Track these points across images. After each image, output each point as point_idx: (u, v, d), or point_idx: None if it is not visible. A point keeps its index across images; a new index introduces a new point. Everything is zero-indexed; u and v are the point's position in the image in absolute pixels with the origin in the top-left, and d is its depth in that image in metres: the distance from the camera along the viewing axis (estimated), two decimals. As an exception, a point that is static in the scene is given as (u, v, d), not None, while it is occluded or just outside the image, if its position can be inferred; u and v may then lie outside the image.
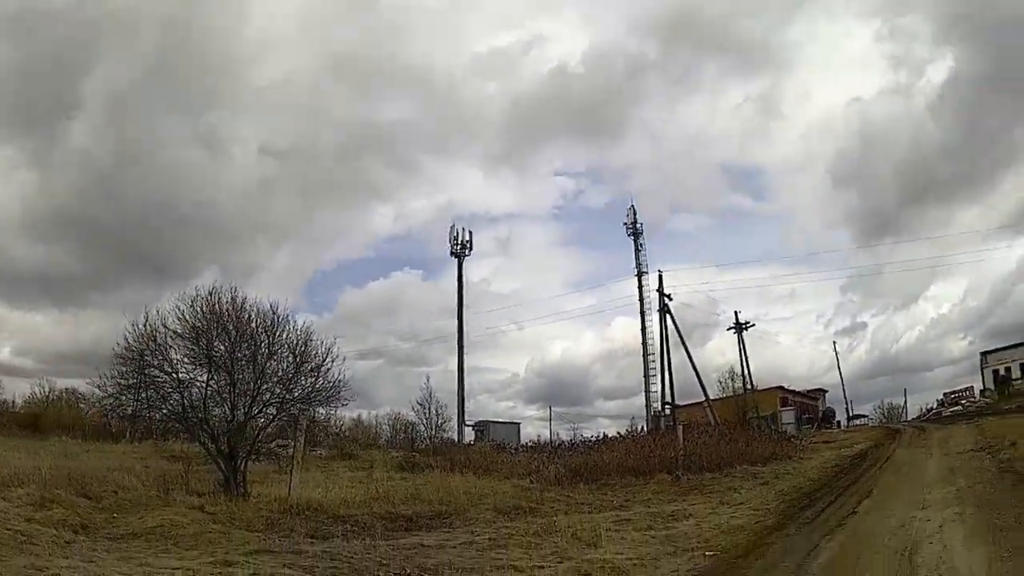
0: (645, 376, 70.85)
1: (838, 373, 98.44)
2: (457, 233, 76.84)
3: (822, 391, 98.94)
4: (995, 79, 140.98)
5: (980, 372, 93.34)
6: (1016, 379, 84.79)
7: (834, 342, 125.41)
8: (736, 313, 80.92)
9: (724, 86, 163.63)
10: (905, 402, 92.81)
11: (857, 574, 10.65)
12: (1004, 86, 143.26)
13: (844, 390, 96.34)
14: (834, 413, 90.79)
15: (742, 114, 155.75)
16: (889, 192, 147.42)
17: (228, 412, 20.56)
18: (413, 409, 62.72)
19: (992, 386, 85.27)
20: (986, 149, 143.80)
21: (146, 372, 20.47)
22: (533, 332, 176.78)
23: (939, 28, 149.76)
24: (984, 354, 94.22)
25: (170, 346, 20.45)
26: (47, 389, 60.99)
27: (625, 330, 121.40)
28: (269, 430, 21.85)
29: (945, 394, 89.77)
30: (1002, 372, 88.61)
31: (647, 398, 70.62)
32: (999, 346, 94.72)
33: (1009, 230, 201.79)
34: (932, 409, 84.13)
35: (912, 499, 16.98)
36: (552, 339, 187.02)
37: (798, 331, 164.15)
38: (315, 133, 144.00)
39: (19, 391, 75.72)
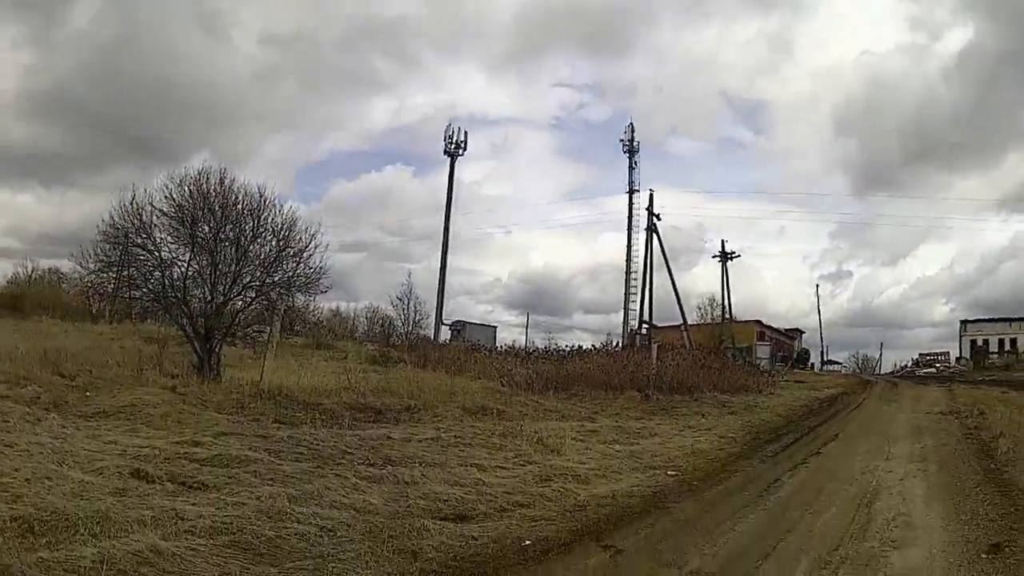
0: (626, 293, 71.34)
1: (817, 316, 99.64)
2: (452, 132, 76.69)
3: (799, 331, 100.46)
4: (1013, 55, 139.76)
5: (958, 339, 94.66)
6: (993, 352, 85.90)
7: (817, 285, 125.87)
8: (723, 242, 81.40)
9: (738, 18, 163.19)
10: (880, 356, 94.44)
11: (814, 513, 10.84)
12: (1021, 63, 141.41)
13: (821, 334, 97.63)
14: (809, 354, 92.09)
15: (753, 49, 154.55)
16: (891, 147, 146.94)
17: (208, 293, 20.64)
18: (392, 304, 62.86)
19: (969, 355, 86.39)
20: (995, 122, 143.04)
21: (129, 250, 20.53)
22: (520, 239, 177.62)
23: None
24: (964, 323, 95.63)
25: (155, 225, 20.34)
26: (30, 269, 61.34)
27: (611, 246, 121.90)
28: (247, 314, 21.85)
29: (921, 355, 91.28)
30: (980, 343, 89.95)
31: (626, 315, 71.22)
32: (980, 317, 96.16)
33: (1007, 206, 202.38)
34: (906, 367, 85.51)
35: (877, 449, 17.33)
36: (538, 248, 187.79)
37: (783, 269, 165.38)
38: (317, 22, 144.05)
39: (3, 271, 75.07)
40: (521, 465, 12.96)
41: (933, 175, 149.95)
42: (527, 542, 8.78)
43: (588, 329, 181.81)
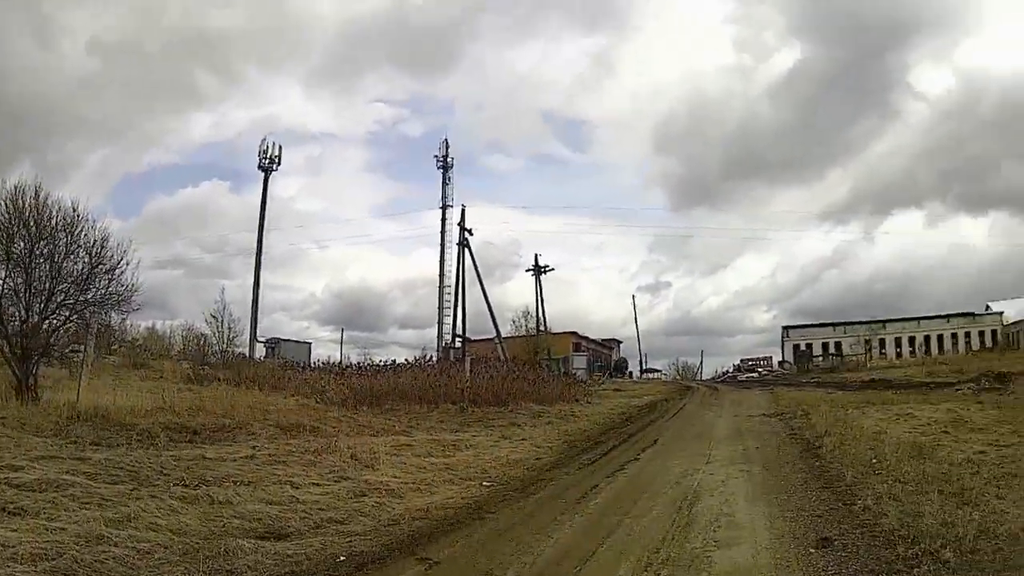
0: (440, 308, 72.65)
1: (635, 326, 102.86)
2: (267, 147, 75.96)
3: (617, 341, 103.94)
4: (837, 77, 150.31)
5: (781, 345, 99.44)
6: (817, 356, 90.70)
7: (633, 296, 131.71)
8: (536, 256, 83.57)
9: (562, 37, 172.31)
10: (701, 362, 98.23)
11: (634, 517, 10.89)
12: (843, 86, 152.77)
13: (639, 343, 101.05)
14: (627, 363, 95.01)
15: (575, 67, 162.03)
16: (712, 163, 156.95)
17: (23, 312, 20.34)
18: (207, 321, 61.52)
19: (792, 359, 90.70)
20: (818, 141, 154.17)
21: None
22: (335, 254, 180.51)
23: (792, 22, 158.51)
24: (787, 328, 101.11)
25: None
26: None
27: (426, 261, 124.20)
28: (62, 333, 21.87)
29: (743, 360, 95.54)
30: (803, 347, 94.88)
31: (440, 329, 72.41)
32: (803, 323, 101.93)
33: (830, 218, 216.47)
34: (728, 372, 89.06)
35: (698, 453, 17.73)
36: (353, 263, 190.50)
37: (601, 282, 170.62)
38: (143, 31, 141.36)
39: None
40: (336, 481, 13.16)
41: (754, 190, 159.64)
42: (341, 558, 8.81)
43: (404, 344, 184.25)
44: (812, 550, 8.68)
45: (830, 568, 8.00)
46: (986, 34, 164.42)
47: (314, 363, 54.94)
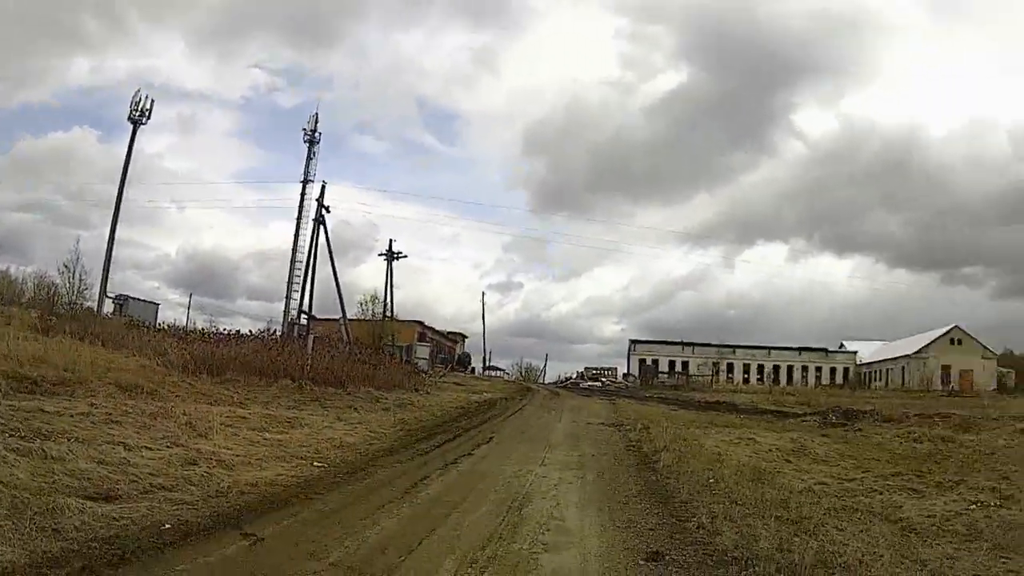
0: (289, 282, 71.80)
1: (482, 323, 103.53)
2: (140, 99, 73.52)
3: (463, 336, 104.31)
4: (718, 107, 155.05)
5: (627, 358, 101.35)
6: (662, 372, 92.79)
7: (483, 292, 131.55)
8: (391, 241, 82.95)
9: (448, 27, 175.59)
10: (545, 365, 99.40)
11: (463, 512, 10.90)
12: (724, 115, 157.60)
13: (485, 340, 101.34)
14: (470, 358, 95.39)
15: (456, 59, 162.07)
16: (579, 171, 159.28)
17: None
18: (59, 271, 59.37)
19: (637, 373, 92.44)
20: (689, 164, 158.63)
21: None
22: (193, 217, 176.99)
23: (683, 45, 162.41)
24: (634, 342, 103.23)
25: None
26: None
27: (281, 234, 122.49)
28: None
29: (587, 368, 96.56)
30: (649, 362, 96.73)
31: (287, 304, 71.56)
32: (650, 339, 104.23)
33: (690, 240, 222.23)
34: (571, 378, 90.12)
35: (533, 454, 17.86)
36: (209, 227, 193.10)
37: (453, 275, 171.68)
38: None
39: None
40: (168, 447, 13.12)
41: (618, 203, 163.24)
42: (167, 525, 8.69)
43: (251, 315, 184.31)
44: (642, 562, 8.72)
45: None
46: (876, 86, 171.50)
47: (160, 325, 53.68)
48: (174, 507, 9.57)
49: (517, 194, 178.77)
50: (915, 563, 9.71)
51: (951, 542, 11.39)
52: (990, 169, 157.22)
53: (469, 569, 8.06)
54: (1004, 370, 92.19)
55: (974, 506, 14.80)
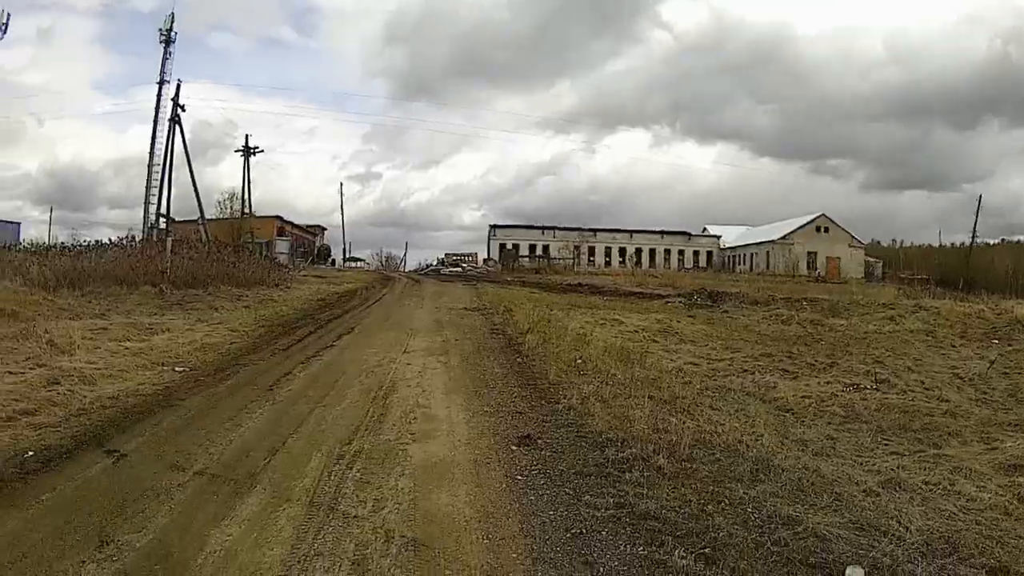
0: (147, 187, 69.05)
1: (341, 215, 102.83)
2: None
3: (322, 228, 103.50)
4: None
5: (487, 243, 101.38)
6: (523, 256, 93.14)
7: (341, 184, 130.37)
8: (247, 136, 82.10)
9: None
10: (405, 254, 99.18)
11: (326, 406, 10.62)
12: (587, 4, 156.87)
13: (344, 231, 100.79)
14: (330, 251, 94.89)
15: None
16: (438, 59, 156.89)
17: None
18: None
19: (498, 258, 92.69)
20: (550, 52, 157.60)
21: None
22: (52, 130, 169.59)
23: None
24: (494, 227, 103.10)
25: None
26: None
27: (141, 140, 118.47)
28: None
29: (447, 254, 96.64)
30: (509, 247, 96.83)
31: (146, 209, 69.03)
32: (511, 223, 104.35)
33: (552, 127, 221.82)
34: (432, 266, 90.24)
35: (396, 342, 17.58)
36: (68, 139, 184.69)
37: (312, 168, 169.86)
38: None
39: None
40: (31, 369, 12.59)
41: (479, 91, 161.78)
42: (30, 453, 8.17)
43: (114, 224, 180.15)
44: (514, 447, 8.57)
45: (534, 467, 7.86)
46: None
47: (21, 244, 51.52)
48: (37, 432, 9.07)
49: (377, 84, 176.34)
50: (796, 443, 9.71)
51: (830, 423, 11.50)
52: (862, 69, 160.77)
53: (336, 465, 7.81)
54: (872, 260, 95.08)
55: (850, 388, 15.05)
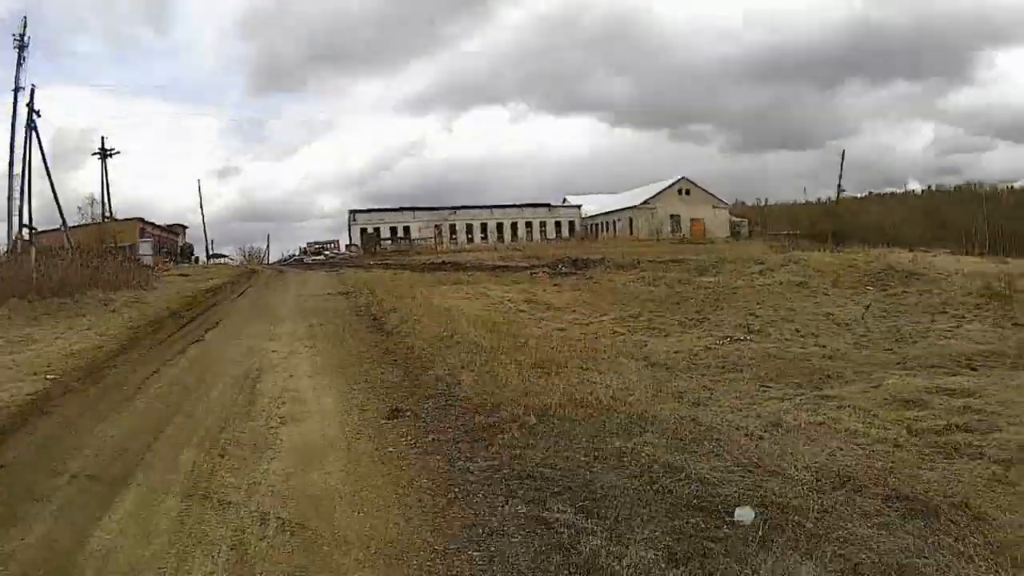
0: (9, 198, 66.93)
1: (201, 212, 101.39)
2: None
3: (183, 227, 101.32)
4: None
5: (348, 229, 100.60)
6: (385, 239, 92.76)
7: (199, 181, 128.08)
8: (102, 139, 78.66)
9: None
10: (268, 246, 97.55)
11: (196, 399, 10.40)
12: None
13: (206, 229, 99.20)
14: (193, 249, 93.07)
15: None
16: (293, 49, 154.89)
17: None
18: None
19: (360, 243, 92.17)
20: (404, 34, 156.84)
21: None
22: None
23: None
24: (354, 212, 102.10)
25: None
26: None
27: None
28: None
29: (309, 243, 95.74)
30: (370, 231, 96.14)
31: (10, 221, 67.00)
32: (371, 208, 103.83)
33: (407, 111, 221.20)
34: (294, 256, 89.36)
35: (262, 332, 17.30)
36: None
37: (172, 167, 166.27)
38: None
39: None
40: None
41: (335, 78, 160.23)
42: None
43: None
44: (384, 421, 8.47)
45: (405, 439, 7.75)
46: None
47: None
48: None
49: (234, 79, 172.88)
50: (672, 396, 9.73)
51: (704, 374, 11.63)
52: (721, 35, 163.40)
53: (209, 455, 7.61)
54: (737, 219, 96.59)
55: (724, 340, 15.21)
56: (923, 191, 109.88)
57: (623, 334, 15.16)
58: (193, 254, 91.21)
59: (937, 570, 5.02)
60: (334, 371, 11.79)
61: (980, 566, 5.10)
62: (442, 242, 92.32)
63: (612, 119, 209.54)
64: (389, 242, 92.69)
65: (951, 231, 68.22)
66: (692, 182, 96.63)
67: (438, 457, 7.14)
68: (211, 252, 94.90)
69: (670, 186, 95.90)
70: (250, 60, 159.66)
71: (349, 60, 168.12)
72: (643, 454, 7.06)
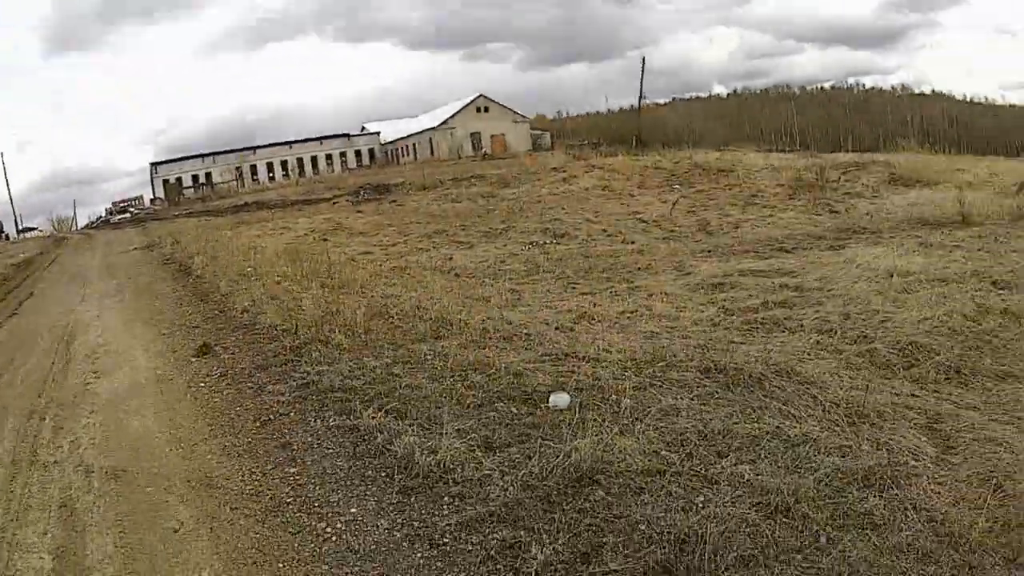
0: None
1: (8, 187, 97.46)
2: None
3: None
4: None
5: (151, 182, 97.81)
6: (187, 187, 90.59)
7: (1, 154, 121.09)
8: None
9: None
10: (75, 212, 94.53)
11: (14, 369, 10.18)
12: None
13: (13, 204, 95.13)
14: (2, 226, 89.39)
15: None
16: (86, 4, 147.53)
17: None
18: None
19: (163, 194, 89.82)
20: None
21: None
22: None
23: None
24: (155, 165, 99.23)
25: None
26: None
27: None
28: None
29: (114, 203, 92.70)
30: (172, 181, 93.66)
31: None
32: (170, 158, 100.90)
33: (199, 55, 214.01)
34: (101, 217, 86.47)
35: (73, 294, 17.00)
36: None
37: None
38: None
39: None
40: None
41: (127, 29, 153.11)
42: None
43: None
44: (193, 359, 8.70)
45: (215, 372, 8.04)
46: None
47: None
48: None
49: (25, 42, 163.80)
50: (478, 301, 10.18)
51: (511, 279, 12.06)
52: None
53: (30, 421, 7.61)
54: (538, 132, 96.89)
55: (529, 246, 15.68)
56: (728, 94, 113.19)
57: (428, 251, 15.50)
58: (3, 231, 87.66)
59: (767, 432, 5.44)
60: (144, 321, 11.82)
61: (813, 426, 5.62)
62: (244, 184, 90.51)
63: (408, 43, 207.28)
64: (191, 190, 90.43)
65: (760, 131, 70.19)
66: (490, 99, 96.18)
67: (248, 385, 7.48)
68: (20, 227, 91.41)
69: (468, 104, 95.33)
70: (41, 20, 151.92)
71: (139, 9, 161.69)
72: (450, 355, 7.50)
